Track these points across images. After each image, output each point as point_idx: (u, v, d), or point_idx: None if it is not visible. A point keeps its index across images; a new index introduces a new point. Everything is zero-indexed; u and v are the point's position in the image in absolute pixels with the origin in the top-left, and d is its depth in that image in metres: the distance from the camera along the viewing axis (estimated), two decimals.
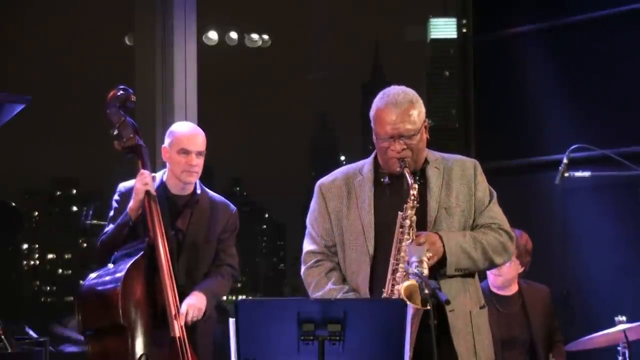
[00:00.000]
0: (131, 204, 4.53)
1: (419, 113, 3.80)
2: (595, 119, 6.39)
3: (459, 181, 3.88)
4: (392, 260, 3.72)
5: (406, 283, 3.60)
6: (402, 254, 3.69)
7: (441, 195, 3.84)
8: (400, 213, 3.74)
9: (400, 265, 3.69)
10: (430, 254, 3.65)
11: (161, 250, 4.47)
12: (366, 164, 3.94)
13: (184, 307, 4.46)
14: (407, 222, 3.72)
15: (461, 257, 3.76)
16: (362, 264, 3.81)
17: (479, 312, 3.90)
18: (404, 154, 3.77)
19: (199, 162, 4.62)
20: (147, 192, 4.53)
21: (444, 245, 3.72)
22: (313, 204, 3.97)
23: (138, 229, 4.57)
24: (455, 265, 3.75)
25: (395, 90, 3.84)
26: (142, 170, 4.57)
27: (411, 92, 3.85)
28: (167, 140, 4.68)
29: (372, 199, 3.85)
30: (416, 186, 3.74)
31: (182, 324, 4.43)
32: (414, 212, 3.73)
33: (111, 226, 4.62)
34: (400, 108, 3.77)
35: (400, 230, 3.73)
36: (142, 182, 4.52)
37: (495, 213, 3.90)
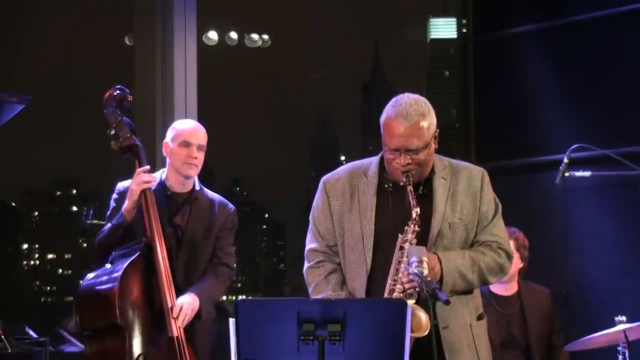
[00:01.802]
0: (126, 204, 4.54)
1: (429, 126, 3.71)
2: (595, 119, 6.39)
3: (465, 193, 3.82)
4: (389, 281, 3.68)
5: None
6: (399, 275, 3.66)
7: (446, 210, 3.79)
8: (400, 236, 3.70)
9: (398, 285, 3.66)
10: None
11: (158, 250, 4.47)
12: (372, 164, 3.89)
13: (177, 304, 4.46)
14: (407, 245, 3.67)
15: (457, 280, 3.72)
16: (359, 272, 3.79)
17: (478, 323, 3.87)
18: (409, 167, 3.71)
19: (199, 156, 4.64)
20: (143, 192, 4.53)
21: (442, 269, 3.69)
22: (316, 200, 3.94)
23: (136, 228, 4.57)
24: (451, 287, 3.71)
25: (408, 100, 3.73)
26: (138, 171, 4.57)
27: (424, 103, 3.74)
28: (168, 135, 4.70)
29: (375, 205, 3.81)
30: (418, 210, 3.67)
31: (174, 317, 4.42)
32: (414, 235, 3.68)
33: (108, 225, 4.63)
34: (409, 121, 3.68)
35: (400, 252, 3.69)
36: (137, 183, 4.53)
37: (498, 230, 3.85)
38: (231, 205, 4.81)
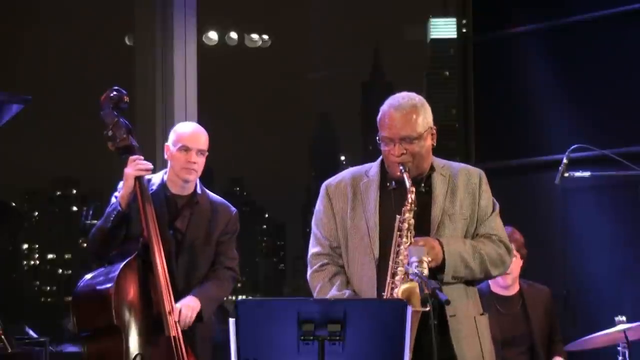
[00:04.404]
0: (121, 191, 4.52)
1: (421, 118, 3.79)
2: (595, 119, 6.39)
3: (464, 189, 3.87)
4: (390, 264, 3.70)
5: (404, 285, 3.61)
6: (400, 257, 3.68)
7: (445, 202, 3.84)
8: (398, 216, 3.73)
9: (400, 268, 3.68)
10: (429, 258, 3.65)
11: (155, 249, 4.44)
12: (373, 166, 3.94)
13: (177, 306, 4.45)
14: (405, 225, 3.71)
15: (459, 265, 3.75)
16: (367, 267, 3.80)
17: (482, 317, 3.90)
18: (404, 158, 3.77)
19: (198, 160, 4.61)
20: (138, 181, 4.50)
21: (443, 252, 3.72)
22: (318, 205, 3.97)
23: (134, 229, 4.56)
24: (452, 272, 3.74)
25: (401, 95, 3.86)
26: (132, 157, 4.55)
27: (417, 98, 3.85)
28: (170, 138, 4.69)
29: (378, 201, 3.85)
30: (413, 189, 3.73)
31: (175, 319, 4.41)
32: (412, 215, 3.72)
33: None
34: (401, 112, 3.78)
35: (399, 233, 3.72)
36: (132, 168, 4.51)
37: (497, 225, 3.90)
38: (233, 208, 4.77)
